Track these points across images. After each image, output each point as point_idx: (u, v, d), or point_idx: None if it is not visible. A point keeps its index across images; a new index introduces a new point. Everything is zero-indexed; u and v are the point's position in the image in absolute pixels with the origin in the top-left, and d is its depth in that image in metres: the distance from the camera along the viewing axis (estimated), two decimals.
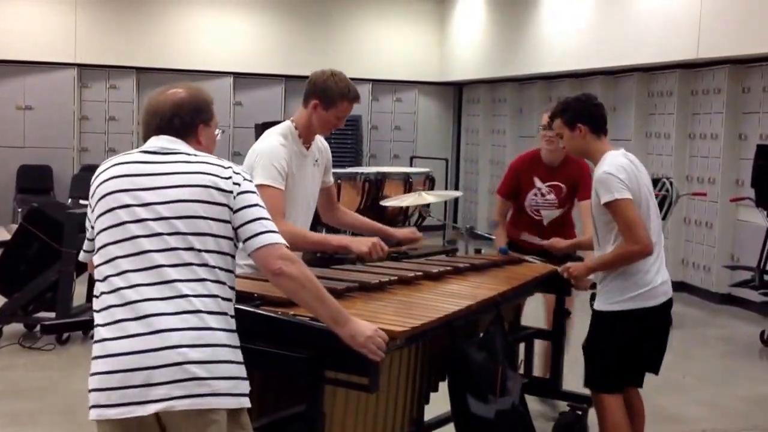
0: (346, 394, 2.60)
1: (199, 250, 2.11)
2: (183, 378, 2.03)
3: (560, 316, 4.03)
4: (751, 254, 6.76)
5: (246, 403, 2.13)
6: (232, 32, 10.81)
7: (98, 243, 2.16)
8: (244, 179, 2.22)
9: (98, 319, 2.10)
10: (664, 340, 3.42)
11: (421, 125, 11.73)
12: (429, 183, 8.23)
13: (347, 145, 10.68)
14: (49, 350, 5.37)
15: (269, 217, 2.22)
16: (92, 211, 2.19)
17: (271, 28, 11.00)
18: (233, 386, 2.09)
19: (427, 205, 4.77)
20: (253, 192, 2.22)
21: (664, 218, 6.64)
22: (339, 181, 7.29)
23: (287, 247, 2.19)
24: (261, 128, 8.75)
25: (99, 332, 2.08)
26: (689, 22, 7.14)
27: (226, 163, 2.24)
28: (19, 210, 9.10)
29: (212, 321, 2.09)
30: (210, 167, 2.20)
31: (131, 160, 2.20)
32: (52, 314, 5.51)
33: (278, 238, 2.18)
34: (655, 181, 6.81)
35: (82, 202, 9.28)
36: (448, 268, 3.43)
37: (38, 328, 5.60)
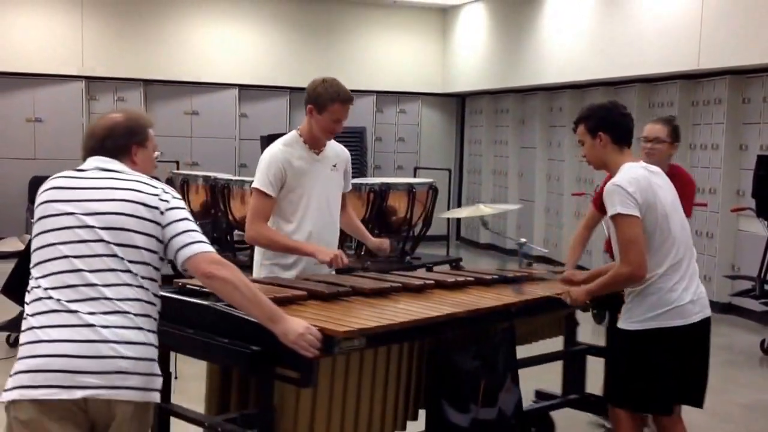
0: (313, 394, 2.70)
1: (122, 258, 2.32)
2: (111, 371, 2.24)
3: (613, 332, 3.67)
4: (752, 264, 6.80)
5: (156, 398, 2.37)
6: (237, 45, 10.92)
7: (33, 245, 2.38)
8: (173, 197, 2.44)
9: (28, 309, 2.31)
10: (700, 365, 3.20)
11: (425, 136, 11.81)
12: (432, 193, 8.30)
13: (352, 156, 10.71)
14: None
15: (197, 229, 2.43)
16: (33, 217, 2.44)
17: (276, 41, 11.10)
18: (150, 381, 2.33)
19: (483, 217, 4.67)
20: (181, 208, 2.43)
21: None
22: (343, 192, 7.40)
23: (222, 253, 2.43)
24: (266, 140, 8.85)
25: (29, 321, 2.28)
26: (690, 34, 7.20)
27: (157, 183, 2.47)
28: (32, 221, 9.19)
29: (139, 321, 2.31)
30: (139, 185, 2.42)
31: (66, 176, 2.44)
32: None
33: (207, 247, 2.39)
34: None
35: None
36: (463, 278, 3.46)
37: None
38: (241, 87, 10.94)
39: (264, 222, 3.37)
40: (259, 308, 2.42)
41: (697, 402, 3.25)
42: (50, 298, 2.27)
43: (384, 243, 3.68)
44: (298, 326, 2.43)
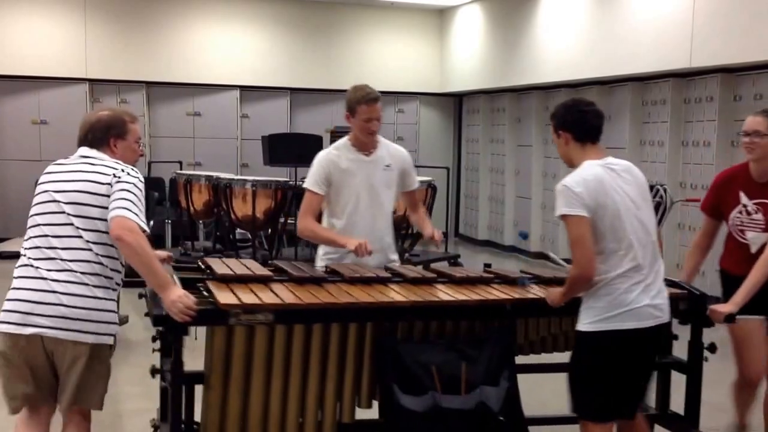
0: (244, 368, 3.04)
1: (77, 227, 2.92)
2: (56, 315, 2.87)
3: (697, 348, 3.47)
4: None
5: (106, 341, 2.97)
6: (238, 47, 11.05)
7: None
8: (128, 175, 2.98)
9: (16, 267, 3.00)
10: (648, 370, 3.10)
11: (423, 135, 11.96)
12: (431, 191, 8.45)
13: None
14: None
15: (132, 200, 2.91)
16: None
17: (276, 43, 11.24)
18: (96, 327, 2.92)
19: None
20: (129, 183, 2.95)
21: (659, 224, 6.83)
22: None
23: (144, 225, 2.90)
24: (267, 140, 8.99)
25: (15, 274, 2.99)
26: (681, 33, 7.32)
27: (120, 166, 3.02)
28: None
29: (85, 279, 2.90)
30: (102, 168, 3.00)
31: (55, 164, 3.10)
32: None
33: (127, 213, 2.86)
34: (650, 188, 6.99)
35: None
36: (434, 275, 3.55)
37: None
38: (242, 88, 11.08)
39: (311, 217, 3.71)
40: (152, 276, 2.89)
41: (639, 403, 3.14)
42: (25, 256, 2.96)
43: (436, 234, 3.87)
44: (173, 295, 2.86)
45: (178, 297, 2.87)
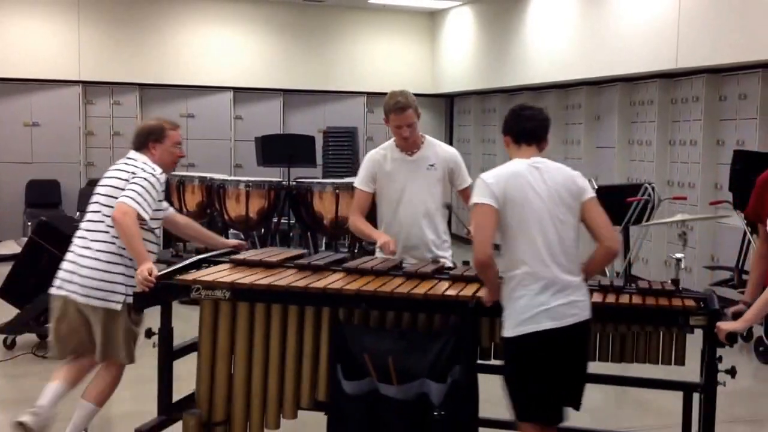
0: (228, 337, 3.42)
1: (103, 213, 3.68)
2: (77, 283, 3.65)
3: (711, 366, 3.22)
4: (730, 255, 6.97)
5: (113, 306, 3.63)
6: (231, 49, 11.09)
7: None
8: (144, 172, 3.66)
9: None
10: (577, 368, 3.05)
11: None
12: None
13: (344, 155, 10.95)
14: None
15: (137, 191, 3.58)
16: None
17: (269, 45, 11.28)
18: (107, 296, 3.63)
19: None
20: (141, 178, 3.62)
21: (647, 222, 6.90)
22: (337, 190, 7.60)
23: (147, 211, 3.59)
24: (261, 141, 9.03)
25: None
26: (668, 35, 7.39)
27: (142, 166, 3.70)
28: (29, 224, 9.31)
29: (100, 255, 3.64)
30: (131, 167, 3.71)
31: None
32: None
33: (127, 200, 3.54)
34: (637, 186, 7.07)
35: None
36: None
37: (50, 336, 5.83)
38: (236, 90, 11.11)
39: (359, 213, 3.96)
40: (133, 251, 3.55)
41: (575, 405, 3.10)
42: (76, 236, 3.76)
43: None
44: (142, 267, 3.43)
45: (142, 269, 3.41)
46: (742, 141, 7.22)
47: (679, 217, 5.29)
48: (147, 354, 5.73)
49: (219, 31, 11.06)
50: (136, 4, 10.69)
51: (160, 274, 3.43)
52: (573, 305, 2.97)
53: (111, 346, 3.69)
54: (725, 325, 3.05)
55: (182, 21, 10.91)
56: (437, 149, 4.00)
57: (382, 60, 11.67)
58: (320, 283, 3.36)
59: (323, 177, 9.82)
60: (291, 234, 8.73)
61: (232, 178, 8.39)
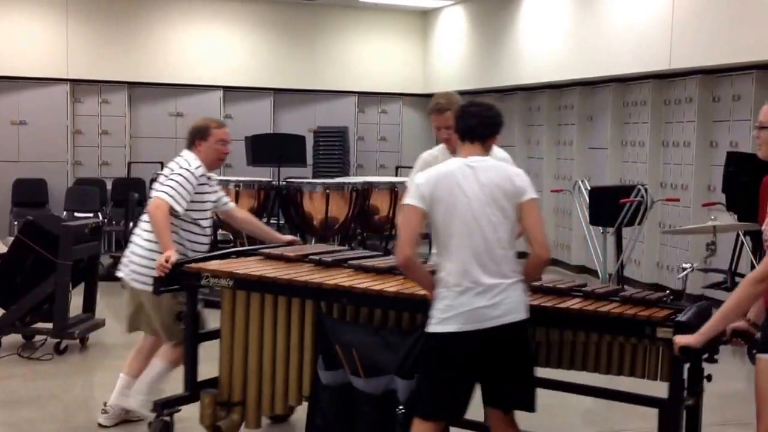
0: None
1: None
2: (127, 266, 4.08)
3: (675, 383, 3.00)
4: (723, 257, 6.96)
5: (148, 288, 3.89)
6: (221, 47, 11.02)
7: None
8: (181, 168, 4.00)
9: None
10: (503, 370, 2.98)
11: (406, 136, 11.92)
12: None
13: (335, 155, 10.90)
14: (47, 360, 5.46)
15: (172, 185, 3.92)
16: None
17: (259, 43, 11.21)
18: (144, 279, 3.96)
19: None
20: (177, 173, 3.96)
21: (639, 223, 6.87)
22: (327, 191, 7.54)
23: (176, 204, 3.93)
24: (251, 140, 8.97)
25: None
26: (661, 35, 7.37)
27: (182, 163, 4.02)
28: (15, 223, 9.24)
29: (145, 244, 4.00)
30: (174, 165, 4.05)
31: None
32: (49, 325, 5.61)
33: (161, 194, 3.90)
34: (630, 188, 7.03)
35: (76, 214, 9.48)
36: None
37: (36, 338, 5.74)
38: (226, 89, 11.03)
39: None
40: (160, 240, 3.88)
41: (527, 406, 3.06)
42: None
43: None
44: (163, 255, 3.78)
45: (162, 257, 3.78)
46: (736, 142, 7.20)
47: (710, 223, 5.20)
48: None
49: (209, 30, 10.99)
50: (125, 1, 10.61)
51: (176, 261, 3.78)
52: (496, 307, 2.92)
53: (156, 326, 4.08)
54: (680, 339, 2.83)
55: (172, 19, 10.83)
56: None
57: (374, 59, 11.61)
58: (304, 278, 3.55)
59: (313, 177, 9.78)
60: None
61: (222, 177, 8.31)
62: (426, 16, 11.88)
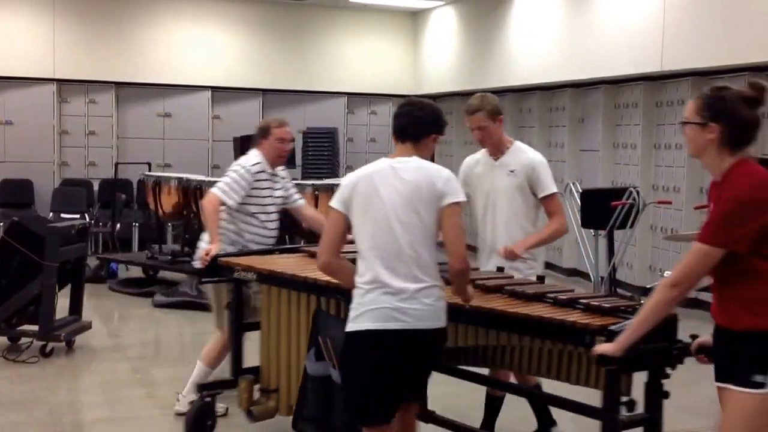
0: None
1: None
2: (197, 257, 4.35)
3: (610, 395, 2.79)
4: None
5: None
6: (210, 47, 10.94)
7: None
8: (237, 165, 4.28)
9: None
10: (408, 374, 2.94)
11: None
12: None
13: (324, 156, 10.84)
14: (33, 363, 5.41)
15: (226, 181, 4.20)
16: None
17: (248, 43, 11.14)
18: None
19: None
20: (232, 170, 4.24)
21: (631, 226, 6.85)
22: (317, 192, 7.47)
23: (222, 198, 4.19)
24: (240, 141, 8.89)
25: None
26: (653, 37, 7.36)
27: (241, 162, 4.29)
28: (1, 224, 9.14)
29: (221, 236, 4.19)
30: (239, 161, 4.35)
31: None
32: (35, 327, 5.56)
33: (215, 189, 4.18)
34: (622, 190, 7.01)
35: (63, 215, 9.38)
36: None
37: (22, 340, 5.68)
38: (214, 89, 10.97)
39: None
40: (209, 231, 4.12)
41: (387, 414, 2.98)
42: None
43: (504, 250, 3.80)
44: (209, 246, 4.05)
45: (204, 249, 4.07)
46: None
47: None
48: (119, 359, 5.64)
49: (197, 30, 10.91)
50: (113, 0, 10.51)
51: (216, 254, 4.00)
52: (404, 312, 2.85)
53: (216, 314, 4.34)
54: (599, 347, 2.67)
55: (160, 18, 10.75)
56: (520, 155, 3.97)
57: (364, 60, 11.57)
58: (305, 274, 3.66)
59: (302, 178, 9.72)
60: None
61: (210, 179, 8.26)
62: (416, 16, 11.85)
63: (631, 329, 2.59)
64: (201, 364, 4.38)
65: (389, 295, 2.85)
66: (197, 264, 4.18)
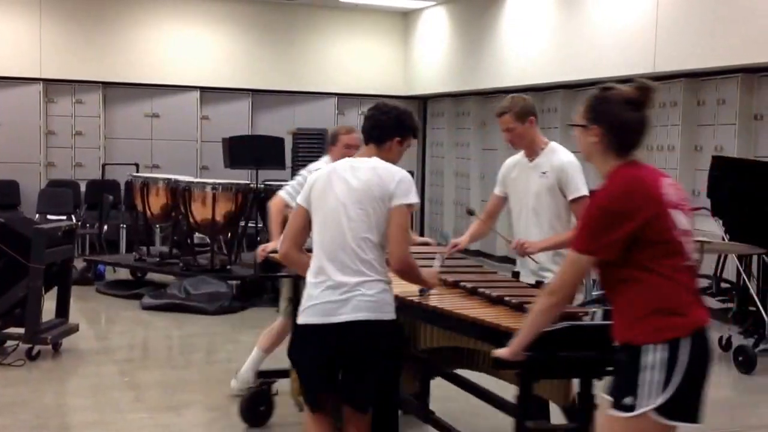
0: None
1: None
2: None
3: (522, 400, 2.74)
4: (708, 263, 6.94)
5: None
6: (199, 47, 10.87)
7: None
8: (304, 169, 4.44)
9: None
10: (351, 368, 3.01)
11: None
12: None
13: (314, 158, 10.76)
14: (19, 366, 5.35)
15: (292, 184, 4.43)
16: None
17: (237, 43, 11.07)
18: None
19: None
20: (299, 175, 4.43)
21: None
22: None
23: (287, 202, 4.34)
24: (228, 142, 8.83)
25: None
26: (645, 38, 7.36)
27: (310, 166, 4.39)
28: None
29: None
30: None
31: None
32: (21, 330, 5.50)
33: (281, 192, 4.46)
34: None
35: (49, 217, 9.29)
36: None
37: (8, 343, 5.62)
38: (203, 89, 10.89)
39: (486, 215, 4.12)
40: (271, 228, 4.41)
41: (358, 405, 3.06)
42: None
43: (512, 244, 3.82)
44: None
45: (261, 246, 4.38)
46: (721, 147, 7.21)
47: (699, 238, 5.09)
48: (107, 362, 5.57)
49: (186, 29, 10.83)
50: (100, 0, 10.43)
51: (269, 251, 4.18)
52: (344, 304, 2.94)
53: (282, 303, 4.62)
54: (496, 352, 2.62)
55: (148, 18, 10.66)
56: (551, 156, 3.87)
57: (354, 61, 11.52)
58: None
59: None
60: (258, 238, 8.54)
61: (199, 180, 8.24)
62: (407, 17, 11.81)
63: (522, 335, 2.53)
64: (257, 348, 4.66)
65: (331, 290, 2.95)
66: (258, 258, 4.48)
